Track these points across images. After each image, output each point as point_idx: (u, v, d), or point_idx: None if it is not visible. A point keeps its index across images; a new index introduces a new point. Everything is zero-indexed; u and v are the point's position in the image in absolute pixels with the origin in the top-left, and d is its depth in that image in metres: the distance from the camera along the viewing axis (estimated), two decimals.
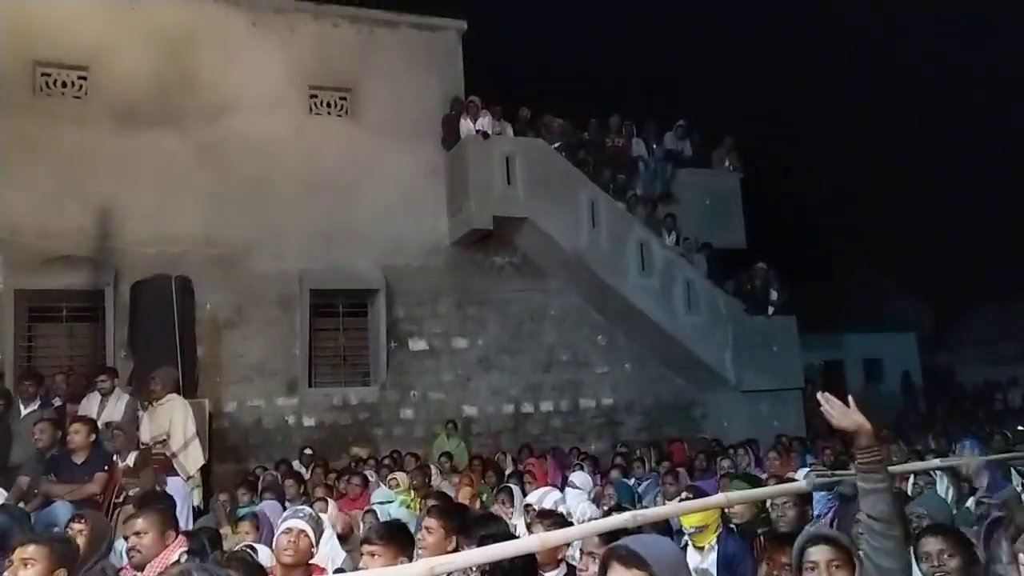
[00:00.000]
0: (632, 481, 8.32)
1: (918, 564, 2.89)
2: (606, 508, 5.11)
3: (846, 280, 26.32)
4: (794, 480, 5.15)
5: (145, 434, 7.40)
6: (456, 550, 3.49)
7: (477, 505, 6.95)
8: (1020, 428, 9.52)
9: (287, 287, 11.54)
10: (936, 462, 5.55)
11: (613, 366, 13.24)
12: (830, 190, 23.45)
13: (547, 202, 12.35)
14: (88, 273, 10.53)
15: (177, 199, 11.07)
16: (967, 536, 3.05)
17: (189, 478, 7.44)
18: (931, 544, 2.90)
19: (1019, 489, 5.34)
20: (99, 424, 6.96)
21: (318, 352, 11.89)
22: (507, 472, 8.85)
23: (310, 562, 3.75)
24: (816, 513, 5.41)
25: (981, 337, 26.39)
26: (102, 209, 10.69)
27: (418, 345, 12.22)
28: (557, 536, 3.25)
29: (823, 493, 5.54)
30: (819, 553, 2.59)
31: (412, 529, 4.02)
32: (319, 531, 3.61)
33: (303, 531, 3.52)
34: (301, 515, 3.67)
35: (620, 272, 12.61)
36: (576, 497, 5.46)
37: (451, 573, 3.79)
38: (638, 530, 3.16)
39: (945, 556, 2.84)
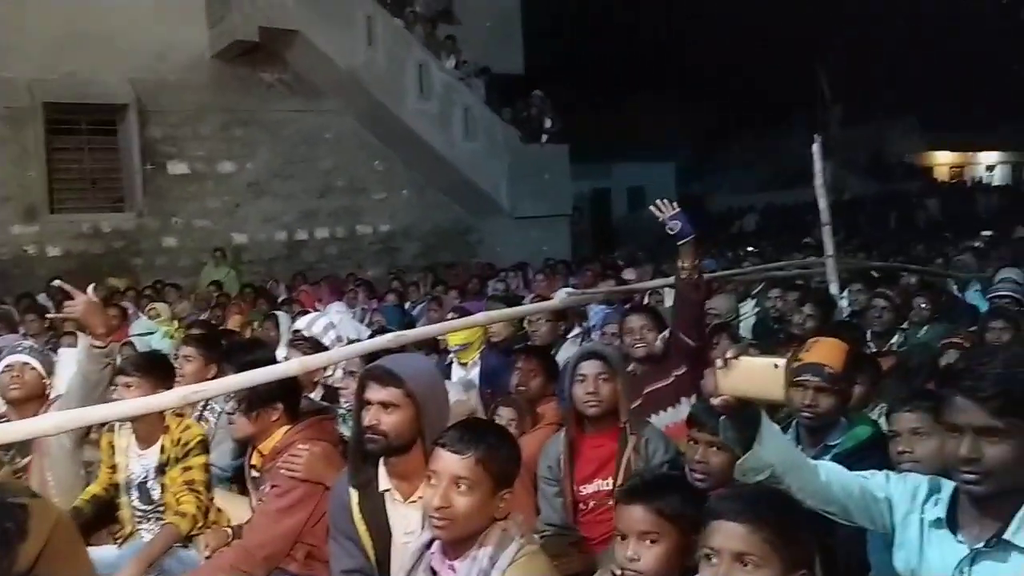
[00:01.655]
0: (407, 305, 8.51)
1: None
2: (373, 330, 5.20)
3: (616, 111, 27.56)
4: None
5: None
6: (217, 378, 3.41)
7: (248, 333, 6.80)
8: (750, 249, 10.74)
9: (15, 99, 10.25)
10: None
11: (391, 192, 13.14)
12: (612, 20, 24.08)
13: (320, 14, 11.50)
14: None
15: None
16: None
17: None
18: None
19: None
20: None
21: (60, 175, 10.82)
22: (280, 299, 8.69)
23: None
24: (592, 325, 5.88)
25: (730, 169, 29.07)
26: None
27: (178, 168, 11.36)
28: (318, 359, 3.28)
29: (601, 308, 6.02)
30: (589, 367, 2.83)
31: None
32: (47, 363, 3.36)
33: (26, 363, 3.27)
34: (20, 349, 3.40)
35: (398, 95, 12.24)
36: (347, 321, 5.50)
37: (209, 400, 3.79)
38: (402, 351, 3.26)
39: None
